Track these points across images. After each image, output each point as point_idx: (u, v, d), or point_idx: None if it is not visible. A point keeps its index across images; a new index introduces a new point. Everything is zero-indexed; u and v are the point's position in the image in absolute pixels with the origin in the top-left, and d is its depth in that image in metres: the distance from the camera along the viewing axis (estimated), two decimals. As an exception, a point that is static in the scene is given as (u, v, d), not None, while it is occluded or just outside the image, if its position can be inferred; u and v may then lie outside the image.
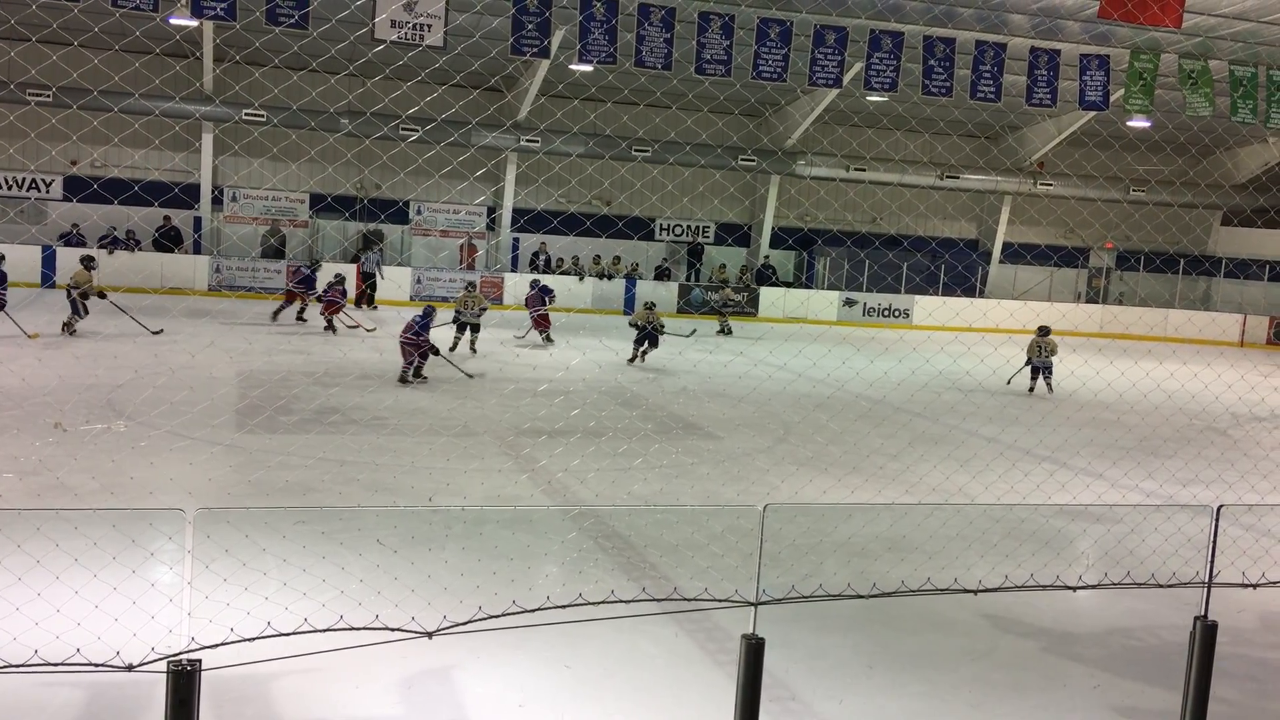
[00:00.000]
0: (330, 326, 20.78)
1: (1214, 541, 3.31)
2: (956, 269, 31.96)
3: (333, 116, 25.14)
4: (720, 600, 3.29)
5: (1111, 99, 20.83)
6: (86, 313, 18.35)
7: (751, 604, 3.19)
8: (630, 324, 20.53)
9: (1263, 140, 31.29)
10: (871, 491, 10.99)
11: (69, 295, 18.43)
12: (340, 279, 21.30)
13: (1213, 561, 3.29)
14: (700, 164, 29.30)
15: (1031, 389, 19.09)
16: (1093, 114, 23.13)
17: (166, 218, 27.82)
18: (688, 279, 31.41)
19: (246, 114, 25.60)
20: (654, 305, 20.74)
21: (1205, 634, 3.21)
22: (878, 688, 6.57)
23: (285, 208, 29.27)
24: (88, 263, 18.93)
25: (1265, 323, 31.94)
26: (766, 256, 32.24)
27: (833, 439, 13.80)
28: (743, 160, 29.64)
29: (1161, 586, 3.78)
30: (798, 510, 9.70)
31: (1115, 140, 30.38)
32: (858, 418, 15.43)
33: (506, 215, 30.09)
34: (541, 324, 21.81)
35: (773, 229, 32.06)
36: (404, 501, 9.63)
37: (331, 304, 20.61)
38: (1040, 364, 19.14)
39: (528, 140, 27.89)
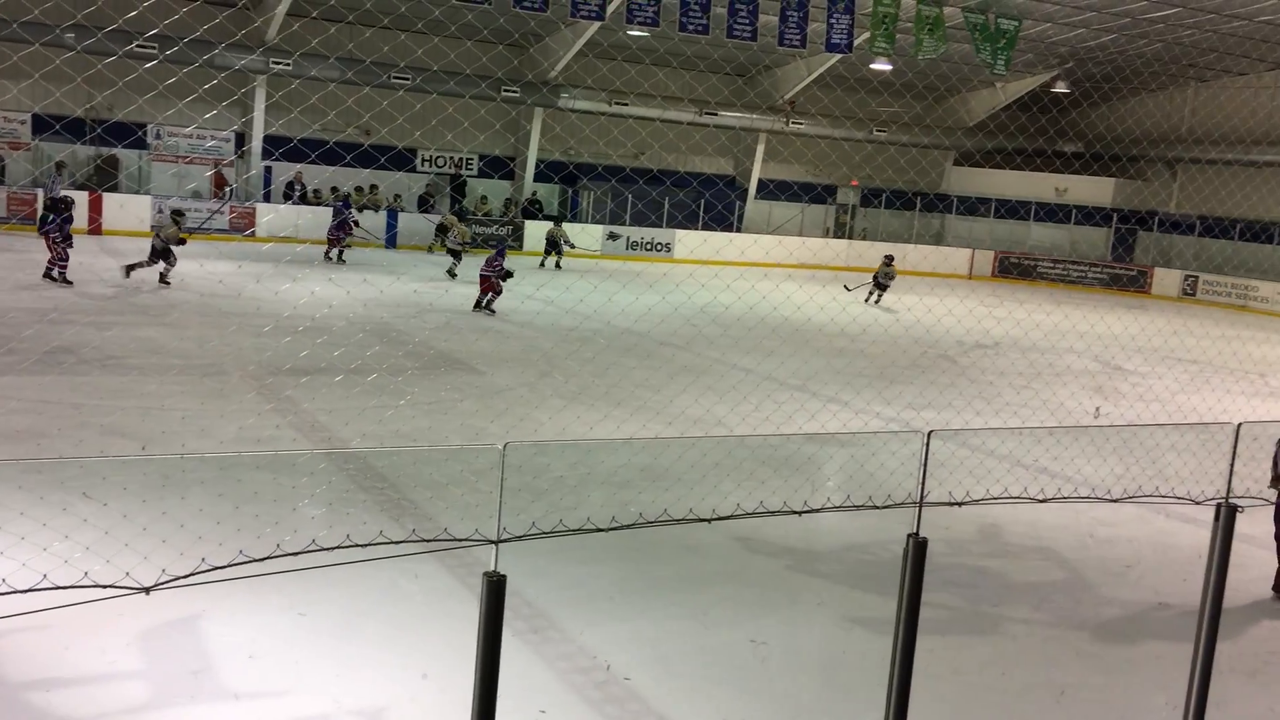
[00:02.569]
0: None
1: (924, 464, 3.63)
2: (716, 206, 32.90)
3: (59, 34, 23.00)
4: (460, 540, 3.34)
5: (856, 42, 21.90)
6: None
7: (493, 542, 3.25)
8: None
9: (990, 86, 33.60)
10: (636, 424, 11.29)
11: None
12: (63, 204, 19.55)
13: (924, 483, 3.62)
14: (464, 96, 28.71)
15: (869, 300, 24.38)
16: (838, 56, 24.13)
17: None
18: (450, 211, 30.90)
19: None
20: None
21: (916, 550, 3.54)
22: (635, 611, 6.85)
23: (3, 129, 26.72)
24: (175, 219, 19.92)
25: (991, 257, 34.62)
26: (535, 191, 32.13)
27: (597, 373, 14.04)
28: (506, 93, 29.25)
29: (878, 508, 4.12)
30: (565, 446, 9.87)
31: (861, 84, 31.86)
32: (622, 352, 15.75)
33: (257, 144, 28.54)
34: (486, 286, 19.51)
35: (537, 163, 31.93)
36: (152, 447, 9.14)
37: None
38: (882, 282, 24.50)
39: (278, 64, 26.48)
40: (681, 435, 10.87)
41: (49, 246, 18.30)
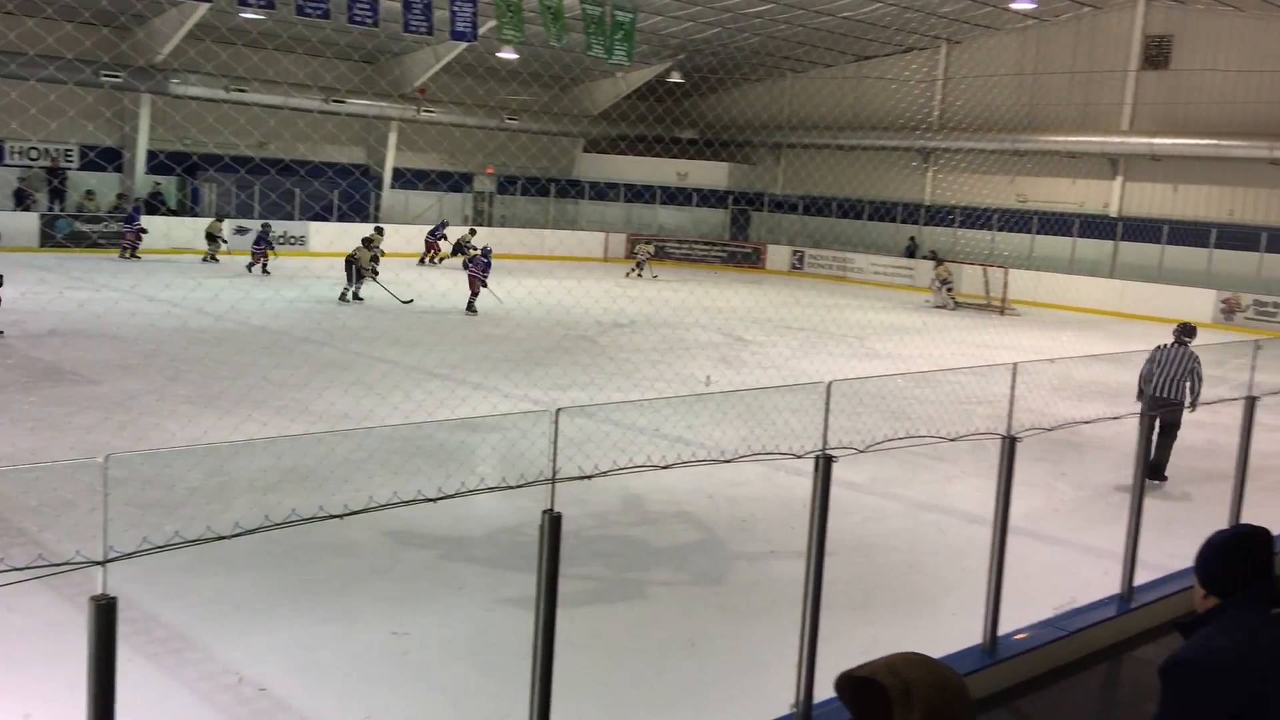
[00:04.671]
0: None
1: (554, 442, 3.82)
2: (353, 196, 32.06)
3: None
4: (58, 565, 3.12)
5: (482, 30, 22.09)
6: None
7: (99, 563, 3.07)
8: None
9: (612, 76, 35.03)
10: (279, 425, 10.86)
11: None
12: None
13: (555, 459, 3.81)
14: (66, 83, 26.05)
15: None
16: (466, 44, 24.24)
17: None
18: (50, 208, 28.06)
19: None
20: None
21: (551, 525, 3.71)
22: (284, 619, 6.64)
23: None
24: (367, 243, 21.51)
25: (623, 239, 36.20)
26: (158, 183, 29.80)
27: (235, 374, 13.35)
28: (105, 75, 26.83)
29: (511, 488, 4.28)
30: (206, 451, 9.33)
31: (491, 72, 32.17)
32: (260, 351, 15.06)
33: None
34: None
35: (154, 154, 29.62)
36: None
37: None
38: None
39: None
40: (330, 430, 10.60)
41: None
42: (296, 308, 16.58)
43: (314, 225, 30.95)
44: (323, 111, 30.87)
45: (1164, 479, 10.86)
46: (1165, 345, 10.94)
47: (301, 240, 30.69)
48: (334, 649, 6.30)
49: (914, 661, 2.00)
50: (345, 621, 6.67)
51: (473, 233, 30.35)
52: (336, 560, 7.62)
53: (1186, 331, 11.05)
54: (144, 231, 26.71)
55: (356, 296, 21.15)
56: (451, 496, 3.86)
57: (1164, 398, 10.58)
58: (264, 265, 25.79)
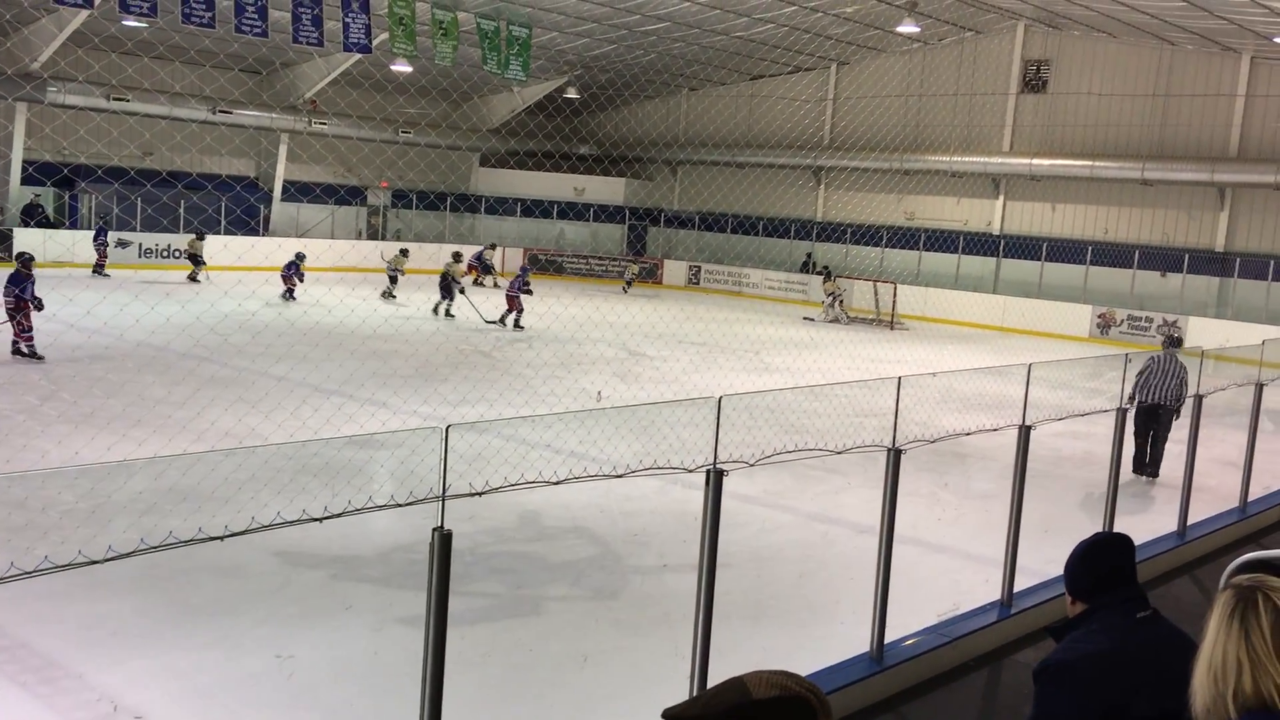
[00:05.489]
0: None
1: (444, 459, 3.79)
2: (237, 209, 31.28)
3: None
4: None
5: (376, 42, 21.82)
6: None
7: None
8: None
9: (508, 90, 34.93)
10: (160, 443, 10.53)
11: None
12: None
13: (444, 476, 3.77)
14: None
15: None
16: (360, 55, 23.92)
17: None
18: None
19: None
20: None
21: (441, 543, 3.67)
22: (163, 645, 6.43)
23: None
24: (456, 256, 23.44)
25: (521, 254, 36.06)
26: (36, 195, 28.62)
27: (112, 392, 12.89)
28: (-23, 84, 25.75)
29: (400, 505, 4.22)
30: (80, 472, 8.98)
31: (386, 83, 31.77)
32: (140, 368, 14.58)
33: None
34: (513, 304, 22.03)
35: (26, 164, 28.46)
36: None
37: None
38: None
39: None
40: (212, 449, 10.29)
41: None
42: (173, 324, 16.08)
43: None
44: (207, 122, 30.05)
45: (1157, 476, 11.81)
46: (1158, 355, 11.99)
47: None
48: (216, 674, 6.12)
49: (776, 677, 1.86)
50: (228, 646, 6.48)
51: (492, 248, 31.26)
52: (222, 583, 7.41)
53: (1175, 343, 12.32)
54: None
55: (449, 314, 22.60)
56: (338, 516, 3.79)
57: (1159, 402, 11.66)
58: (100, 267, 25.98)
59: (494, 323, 21.95)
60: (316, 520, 3.65)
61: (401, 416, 12.78)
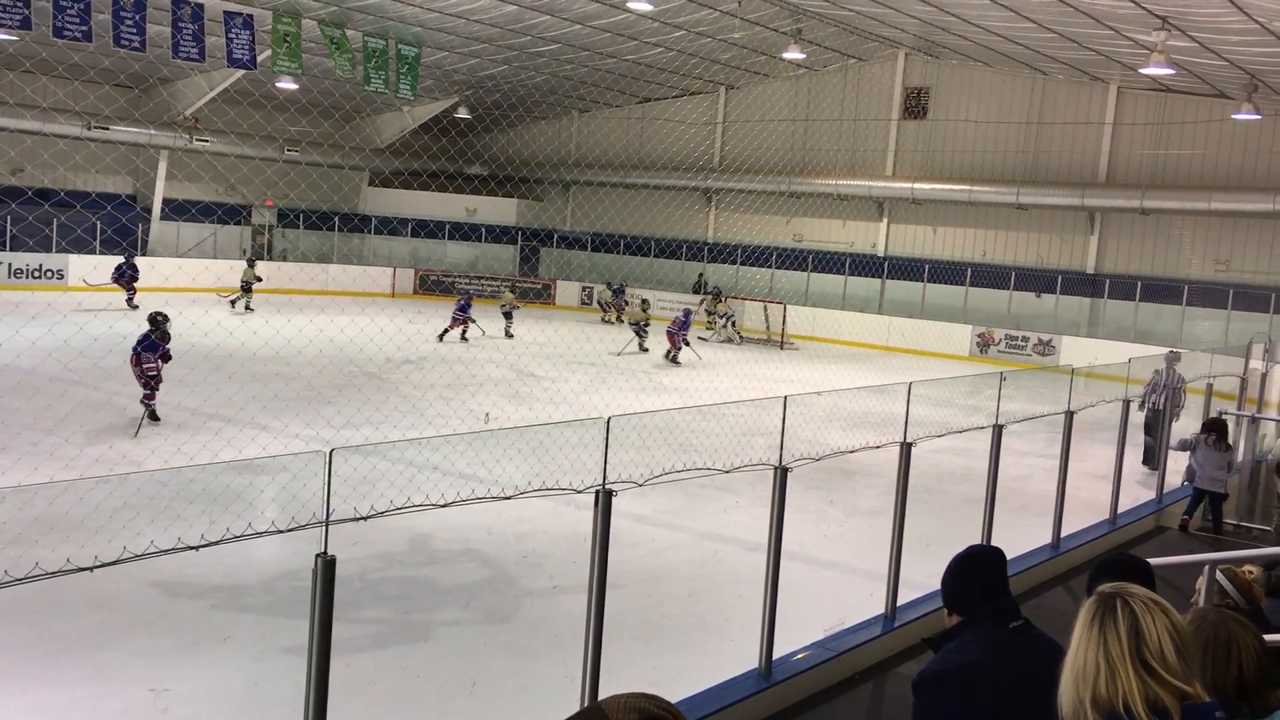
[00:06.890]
0: None
1: (328, 483, 3.72)
2: (115, 226, 30.18)
3: None
4: None
5: (260, 58, 21.37)
6: None
7: None
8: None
9: (398, 109, 34.55)
10: (25, 471, 10.07)
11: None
12: None
13: (328, 501, 3.71)
14: None
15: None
16: (243, 71, 23.39)
17: None
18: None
19: None
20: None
21: (325, 569, 3.60)
22: (30, 681, 6.14)
23: None
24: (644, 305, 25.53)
25: (412, 274, 35.63)
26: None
27: (-27, 419, 12.30)
28: None
29: (281, 532, 4.13)
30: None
31: (269, 100, 31.10)
32: (4, 392, 13.95)
33: None
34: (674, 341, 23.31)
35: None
36: None
37: None
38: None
39: None
40: (82, 476, 9.89)
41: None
42: (40, 348, 15.39)
43: (73, 258, 28.89)
44: (83, 138, 28.97)
45: (1157, 468, 13.00)
46: (1162, 370, 13.79)
47: (60, 274, 28.64)
48: (86, 710, 5.87)
49: (635, 700, 1.84)
50: (100, 680, 6.23)
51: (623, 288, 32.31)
52: (94, 615, 7.12)
53: (1175, 358, 13.90)
54: None
55: (643, 349, 24.14)
56: (215, 544, 3.68)
57: (1162, 410, 13.31)
58: None
59: (646, 350, 24.23)
60: (193, 549, 3.54)
61: (284, 440, 12.49)
